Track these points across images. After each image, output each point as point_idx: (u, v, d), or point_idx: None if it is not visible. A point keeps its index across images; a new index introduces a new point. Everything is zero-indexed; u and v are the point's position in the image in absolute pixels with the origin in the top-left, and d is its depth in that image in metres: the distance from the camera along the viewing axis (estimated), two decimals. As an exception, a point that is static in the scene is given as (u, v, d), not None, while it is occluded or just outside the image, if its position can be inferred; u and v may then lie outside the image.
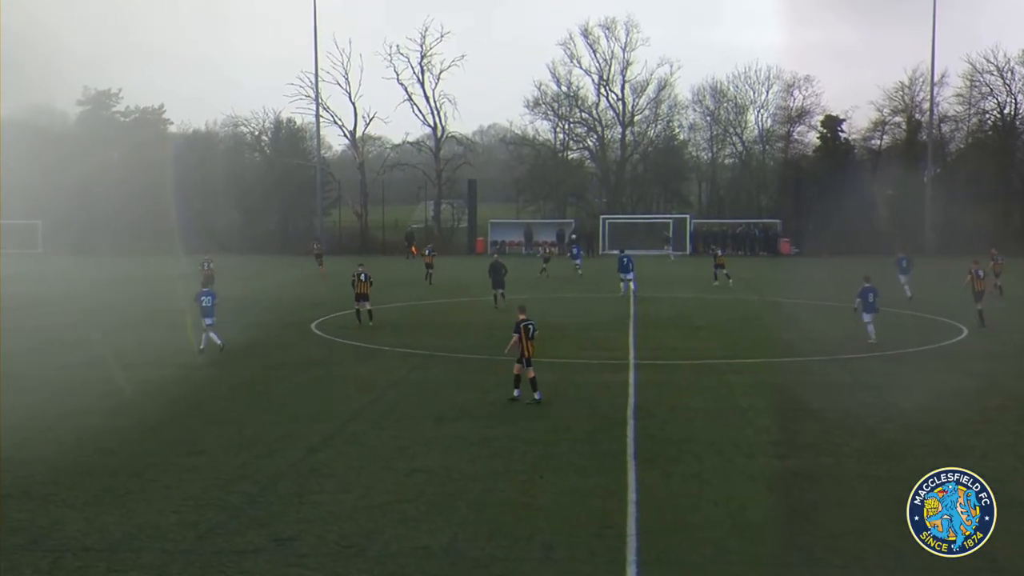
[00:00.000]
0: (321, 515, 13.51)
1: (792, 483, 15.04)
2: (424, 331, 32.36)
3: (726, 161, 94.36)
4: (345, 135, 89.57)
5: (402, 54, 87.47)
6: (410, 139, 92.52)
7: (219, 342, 27.33)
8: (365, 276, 33.00)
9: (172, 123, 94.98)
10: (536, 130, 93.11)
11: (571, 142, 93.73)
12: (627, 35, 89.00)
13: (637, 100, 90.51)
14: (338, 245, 78.84)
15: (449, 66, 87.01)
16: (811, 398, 21.11)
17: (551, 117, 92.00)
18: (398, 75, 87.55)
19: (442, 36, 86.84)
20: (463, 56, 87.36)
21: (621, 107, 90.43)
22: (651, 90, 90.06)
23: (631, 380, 23.39)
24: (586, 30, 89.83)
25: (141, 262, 63.87)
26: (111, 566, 11.83)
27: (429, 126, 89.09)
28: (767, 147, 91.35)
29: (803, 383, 23.05)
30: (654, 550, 12.25)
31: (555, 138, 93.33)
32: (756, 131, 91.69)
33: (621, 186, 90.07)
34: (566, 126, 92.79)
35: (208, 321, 27.24)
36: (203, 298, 27.53)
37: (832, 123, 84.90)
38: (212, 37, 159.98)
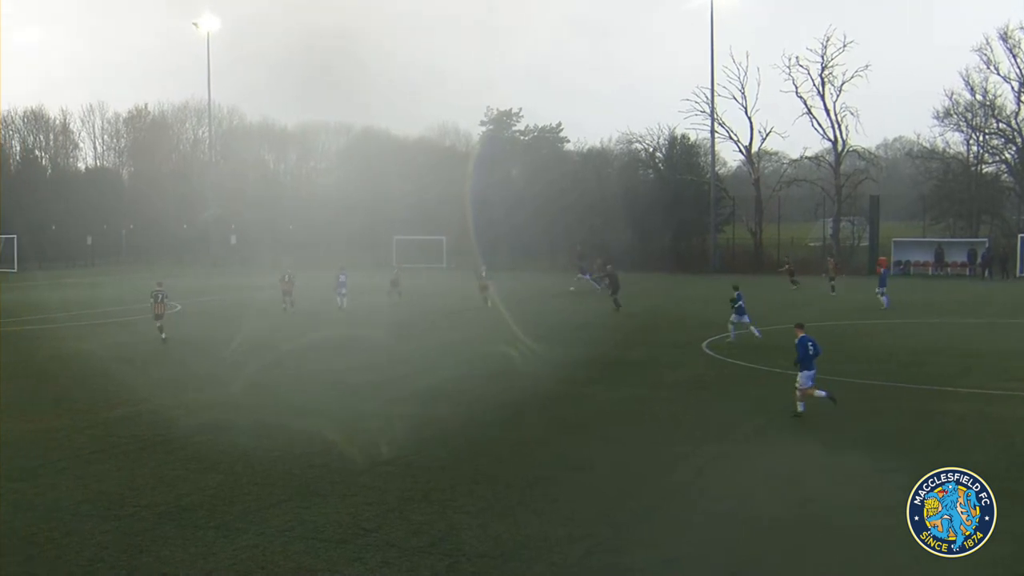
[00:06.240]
0: (707, 539, 13.23)
1: None
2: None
3: None
4: (740, 151, 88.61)
5: (801, 66, 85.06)
6: (808, 154, 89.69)
7: None
8: (163, 296, 35.12)
9: (568, 140, 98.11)
10: (946, 142, 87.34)
11: (985, 155, 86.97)
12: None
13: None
14: (732, 263, 78.24)
15: (851, 77, 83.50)
16: None
17: (963, 128, 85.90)
18: (797, 88, 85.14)
19: (844, 46, 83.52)
20: (867, 66, 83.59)
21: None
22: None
23: (1054, 415, 21.11)
24: (1005, 34, 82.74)
25: (542, 277, 66.45)
26: (504, 575, 12.17)
27: (829, 140, 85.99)
28: None
29: None
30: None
31: (967, 151, 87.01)
32: None
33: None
34: (980, 138, 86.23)
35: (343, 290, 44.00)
36: (341, 275, 43.95)
37: None
38: (607, 56, 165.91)
